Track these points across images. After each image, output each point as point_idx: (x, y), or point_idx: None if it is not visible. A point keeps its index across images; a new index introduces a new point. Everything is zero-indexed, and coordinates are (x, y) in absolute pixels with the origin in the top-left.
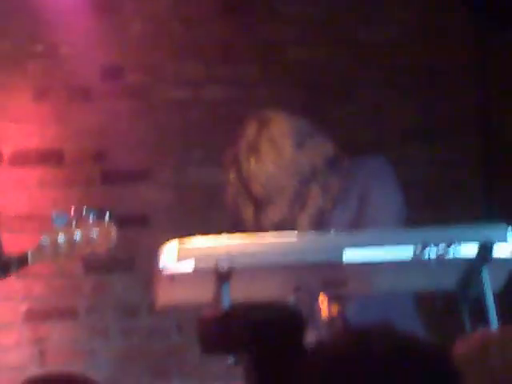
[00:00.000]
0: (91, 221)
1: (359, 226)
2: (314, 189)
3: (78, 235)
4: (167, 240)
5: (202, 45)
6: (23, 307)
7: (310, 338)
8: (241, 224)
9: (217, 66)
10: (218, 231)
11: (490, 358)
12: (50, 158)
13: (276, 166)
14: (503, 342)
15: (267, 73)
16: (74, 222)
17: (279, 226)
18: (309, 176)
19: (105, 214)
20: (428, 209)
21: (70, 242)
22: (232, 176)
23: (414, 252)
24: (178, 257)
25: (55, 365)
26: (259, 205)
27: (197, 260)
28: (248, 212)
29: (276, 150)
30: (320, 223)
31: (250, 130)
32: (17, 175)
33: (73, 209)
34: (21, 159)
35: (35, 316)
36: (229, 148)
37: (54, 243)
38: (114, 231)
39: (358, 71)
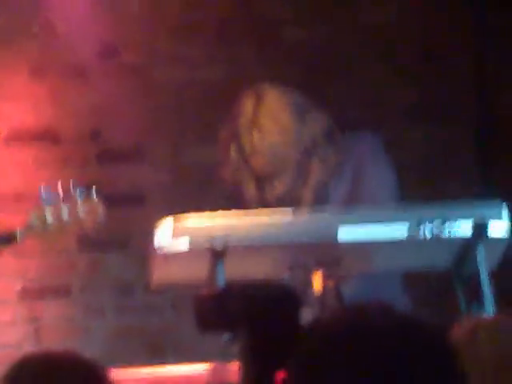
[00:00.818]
0: (78, 198)
1: (354, 199)
2: (315, 161)
3: (65, 212)
4: (163, 218)
5: (199, 24)
6: (18, 285)
7: (305, 316)
8: (242, 201)
9: (213, 46)
10: (214, 210)
11: (479, 344)
12: (46, 136)
13: (278, 138)
14: (493, 329)
15: (264, 52)
16: (61, 199)
17: (283, 200)
18: (310, 148)
19: (92, 191)
20: (424, 188)
21: (58, 218)
22: (232, 152)
23: (409, 229)
24: (172, 234)
25: (50, 343)
26: (262, 180)
27: (192, 238)
28: (250, 188)
29: (277, 122)
30: (321, 196)
31: (248, 104)
32: (12, 154)
33: (59, 186)
34: (16, 138)
35: (30, 294)
36: (225, 124)
37: (42, 220)
38: (100, 208)
39: (355, 51)
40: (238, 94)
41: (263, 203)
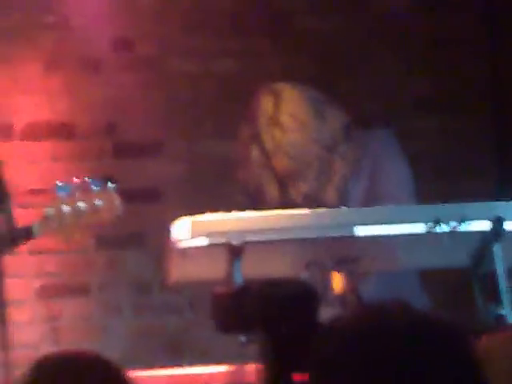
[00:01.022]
0: (95, 191)
1: (372, 196)
2: (337, 158)
3: (82, 205)
4: (179, 214)
5: (213, 16)
6: (36, 284)
7: (324, 314)
8: (262, 203)
9: (227, 38)
10: (229, 204)
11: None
12: (61, 130)
13: (299, 136)
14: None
15: (278, 43)
16: (77, 192)
17: (307, 199)
18: (330, 145)
19: (108, 184)
20: (439, 182)
21: (74, 212)
22: (253, 153)
23: (426, 228)
24: (191, 233)
25: (68, 342)
26: (285, 179)
27: (209, 236)
28: (272, 188)
29: (297, 120)
30: (342, 194)
31: (267, 104)
32: (28, 149)
33: (75, 179)
34: (32, 132)
35: (48, 293)
36: (244, 124)
37: (58, 214)
38: (118, 201)
39: (368, 41)
40: (252, 85)
41: (286, 204)
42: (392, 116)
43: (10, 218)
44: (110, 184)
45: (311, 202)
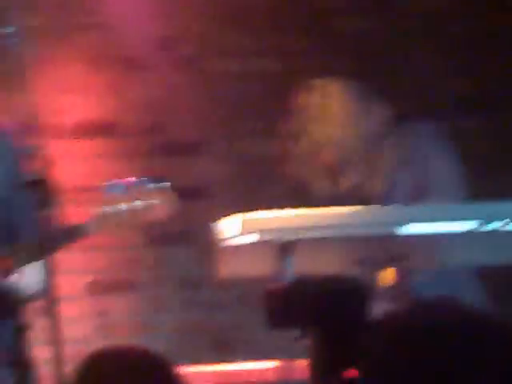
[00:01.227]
0: (151, 189)
1: (420, 192)
2: (383, 152)
3: (138, 203)
4: (226, 211)
5: (252, 15)
6: (86, 280)
7: (375, 310)
8: (309, 196)
9: (267, 37)
10: (273, 201)
11: None
12: (107, 129)
13: (347, 130)
14: None
15: (316, 42)
16: (133, 191)
17: (352, 194)
18: (376, 138)
19: (163, 182)
20: (485, 181)
21: (131, 210)
22: (300, 147)
23: (477, 225)
24: (241, 229)
25: (117, 337)
26: (332, 173)
27: (260, 233)
28: (319, 182)
29: (343, 115)
30: (388, 187)
31: (313, 98)
32: (74, 147)
33: (129, 178)
34: (79, 131)
35: (98, 289)
36: (288, 120)
37: (113, 213)
38: (174, 198)
39: (407, 39)
40: (292, 83)
41: (332, 197)
42: (432, 115)
43: (59, 217)
44: (164, 182)
45: (357, 194)
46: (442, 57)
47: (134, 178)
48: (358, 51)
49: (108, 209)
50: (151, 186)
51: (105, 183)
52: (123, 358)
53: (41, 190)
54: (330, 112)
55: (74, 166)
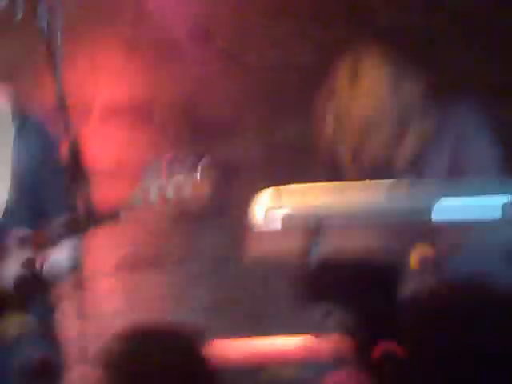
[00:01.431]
0: (188, 167)
1: (455, 171)
2: (413, 125)
3: (174, 181)
4: (260, 190)
5: (291, 6)
6: (116, 255)
7: (403, 291)
8: (336, 170)
9: (307, 28)
10: (307, 180)
11: None
12: (141, 112)
13: (377, 101)
14: None
15: (356, 34)
16: (172, 168)
17: (378, 164)
18: (406, 113)
19: (202, 159)
20: None
21: (167, 188)
22: (329, 117)
23: (506, 204)
24: (269, 208)
25: (149, 313)
26: (359, 142)
27: (293, 209)
28: (347, 152)
29: (374, 86)
30: (416, 163)
31: (345, 69)
32: (109, 130)
33: (162, 161)
34: (113, 115)
35: (128, 264)
36: (323, 91)
37: (150, 190)
38: (211, 176)
39: (446, 34)
40: (314, 79)
41: (359, 169)
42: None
43: (93, 197)
44: (202, 160)
45: (381, 168)
46: (475, 46)
47: (171, 156)
48: (397, 44)
49: (145, 186)
50: (189, 163)
51: (142, 162)
52: (156, 333)
53: (74, 171)
54: (363, 81)
55: (107, 148)
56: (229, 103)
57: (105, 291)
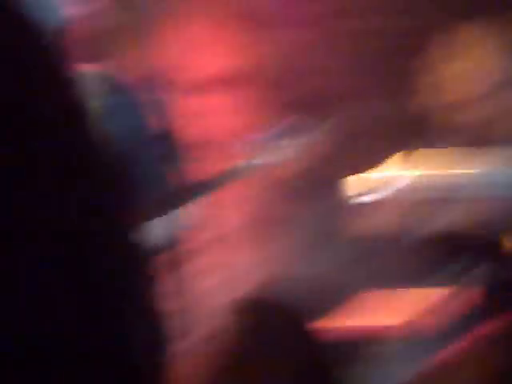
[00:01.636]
0: (283, 144)
1: None
2: (507, 96)
3: (269, 158)
4: (356, 169)
5: None
6: (210, 234)
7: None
8: (428, 135)
9: None
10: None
11: None
12: (228, 85)
13: (473, 68)
14: None
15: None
16: (265, 146)
17: (472, 131)
18: (501, 83)
19: (296, 138)
20: None
21: (262, 165)
22: (422, 82)
23: None
24: (364, 188)
25: (245, 291)
26: (452, 108)
27: (388, 190)
28: (441, 114)
29: (472, 54)
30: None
31: (443, 38)
32: (195, 103)
33: (264, 133)
34: (198, 87)
35: (225, 240)
36: (418, 56)
37: (245, 167)
38: (306, 154)
39: None
40: (413, 41)
41: (452, 132)
42: None
43: (186, 171)
44: (297, 138)
45: (476, 130)
46: None
47: (266, 133)
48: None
49: (240, 163)
50: (284, 141)
51: (237, 138)
52: (257, 310)
53: (168, 145)
54: (460, 48)
55: (201, 121)
56: (316, 75)
57: (200, 268)
